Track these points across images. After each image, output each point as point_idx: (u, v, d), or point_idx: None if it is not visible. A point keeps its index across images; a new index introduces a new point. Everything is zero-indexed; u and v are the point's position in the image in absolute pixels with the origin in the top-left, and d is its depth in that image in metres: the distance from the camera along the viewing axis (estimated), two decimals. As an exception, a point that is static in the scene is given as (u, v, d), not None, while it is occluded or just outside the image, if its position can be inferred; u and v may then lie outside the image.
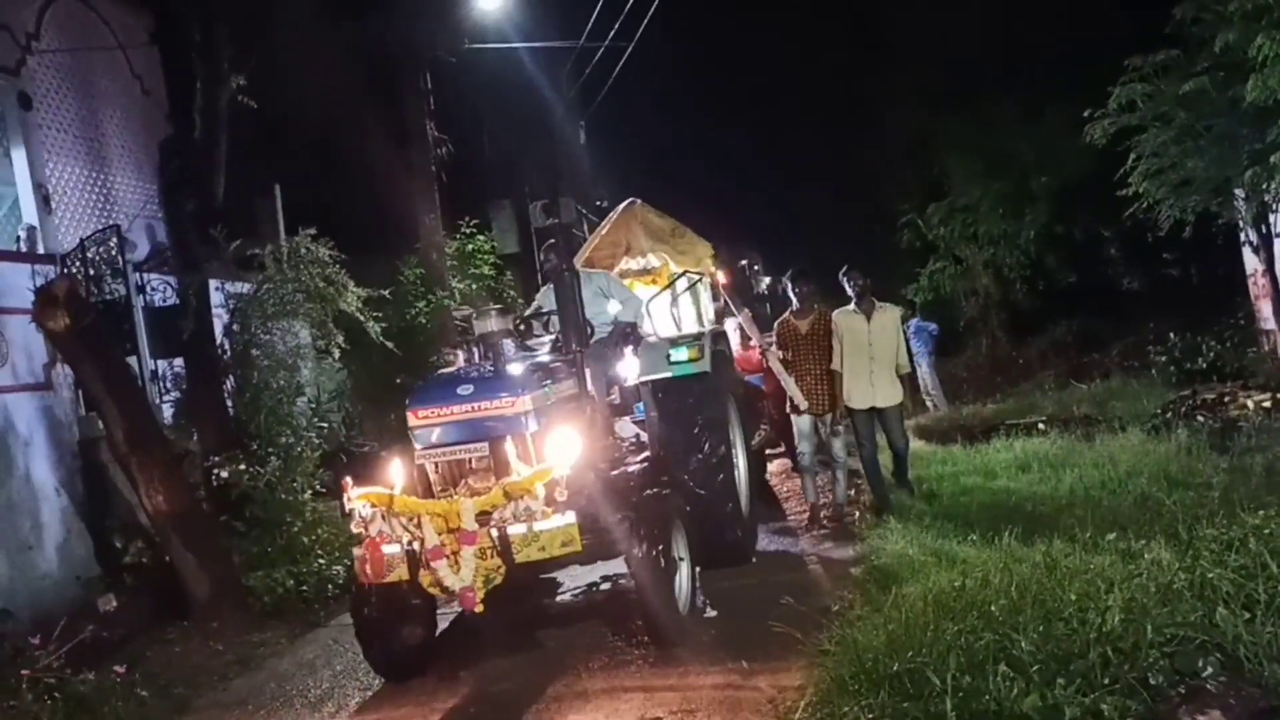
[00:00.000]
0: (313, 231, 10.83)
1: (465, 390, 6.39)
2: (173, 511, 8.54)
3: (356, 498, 5.96)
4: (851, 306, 9.14)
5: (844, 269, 9.23)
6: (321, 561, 9.35)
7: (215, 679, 7.51)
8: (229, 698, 7.09)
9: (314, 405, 10.90)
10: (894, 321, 9.20)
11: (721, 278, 10.46)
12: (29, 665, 6.87)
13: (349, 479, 6.15)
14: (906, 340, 10.22)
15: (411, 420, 6.44)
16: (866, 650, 4.93)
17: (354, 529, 6.03)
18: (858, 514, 9.20)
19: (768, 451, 12.07)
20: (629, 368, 8.14)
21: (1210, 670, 4.08)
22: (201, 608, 8.54)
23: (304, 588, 8.92)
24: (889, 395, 9.08)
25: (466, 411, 6.31)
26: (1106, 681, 4.12)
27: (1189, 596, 4.80)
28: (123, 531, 9.57)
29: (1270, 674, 4.00)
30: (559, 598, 7.95)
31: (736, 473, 8.42)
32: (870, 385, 8.99)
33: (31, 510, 9.11)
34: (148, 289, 10.87)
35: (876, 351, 8.96)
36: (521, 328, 7.84)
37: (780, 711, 4.92)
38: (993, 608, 5.05)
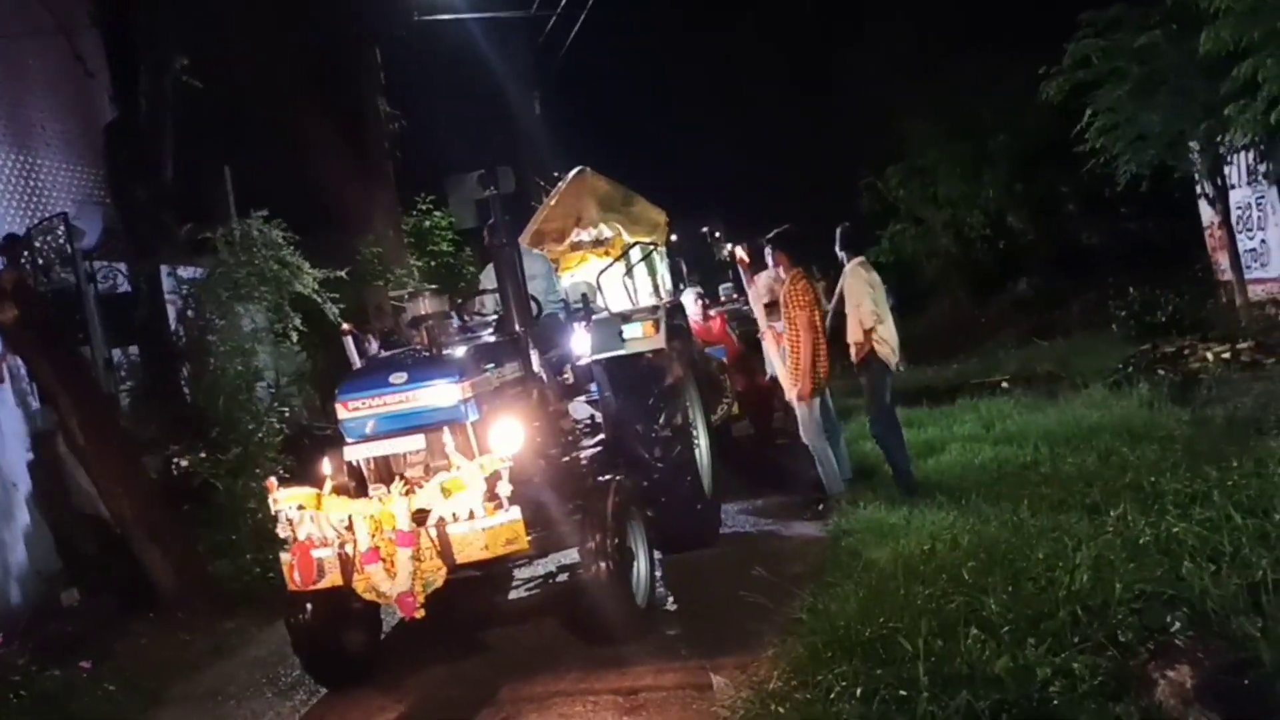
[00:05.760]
0: (264, 213, 10.69)
1: (399, 378, 5.97)
2: (133, 502, 8.42)
3: (282, 498, 5.59)
4: (861, 258, 8.55)
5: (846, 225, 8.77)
6: (288, 547, 9.24)
7: (185, 670, 7.41)
8: (199, 688, 7.00)
9: (274, 390, 10.77)
10: None
11: (742, 255, 9.60)
12: (-8, 664, 6.75)
13: (273, 479, 5.83)
14: None
15: (341, 412, 6.04)
16: (838, 618, 4.93)
17: (281, 532, 5.62)
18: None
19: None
20: (581, 345, 7.89)
21: (1178, 625, 4.11)
22: (167, 599, 8.42)
23: (271, 574, 8.79)
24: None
25: (400, 401, 5.91)
26: (1076, 640, 4.14)
27: (1155, 552, 4.83)
28: (83, 524, 9.42)
29: (1237, 626, 4.02)
30: (511, 594, 7.59)
31: (697, 451, 8.13)
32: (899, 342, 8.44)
33: (-12, 506, 8.94)
34: (98, 277, 10.66)
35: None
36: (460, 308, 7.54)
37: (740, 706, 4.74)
38: (962, 570, 5.06)
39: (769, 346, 9.04)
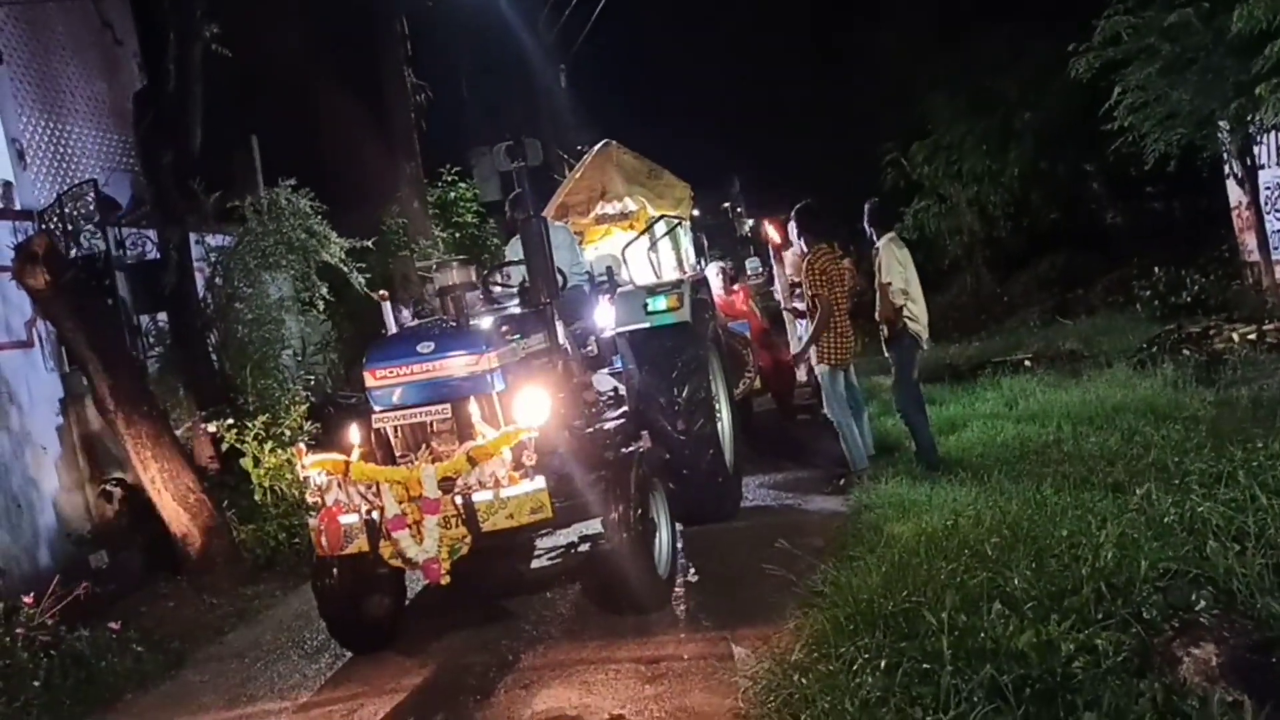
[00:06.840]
0: (292, 182, 10.73)
1: (426, 348, 6.01)
2: (161, 467, 8.51)
3: (311, 465, 5.65)
4: (893, 234, 8.54)
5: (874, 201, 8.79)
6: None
7: (210, 632, 7.54)
8: (225, 650, 7.12)
9: (299, 358, 10.84)
10: None
11: (772, 233, 9.76)
12: (23, 624, 6.84)
13: (302, 446, 5.88)
14: None
15: (369, 380, 6.09)
16: (861, 590, 4.96)
17: (309, 498, 5.70)
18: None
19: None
20: (605, 318, 7.92)
21: (1203, 604, 4.11)
22: (194, 562, 8.55)
23: (296, 540, 8.91)
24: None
25: (427, 370, 5.95)
26: (1100, 617, 4.15)
27: (1180, 531, 4.85)
28: (112, 488, 9.55)
29: (1262, 606, 4.03)
30: (534, 563, 7.69)
31: (719, 424, 8.15)
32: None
33: (20, 469, 9.07)
34: (127, 243, 10.74)
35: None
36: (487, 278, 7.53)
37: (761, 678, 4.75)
38: (985, 546, 5.08)
39: (790, 323, 9.04)
